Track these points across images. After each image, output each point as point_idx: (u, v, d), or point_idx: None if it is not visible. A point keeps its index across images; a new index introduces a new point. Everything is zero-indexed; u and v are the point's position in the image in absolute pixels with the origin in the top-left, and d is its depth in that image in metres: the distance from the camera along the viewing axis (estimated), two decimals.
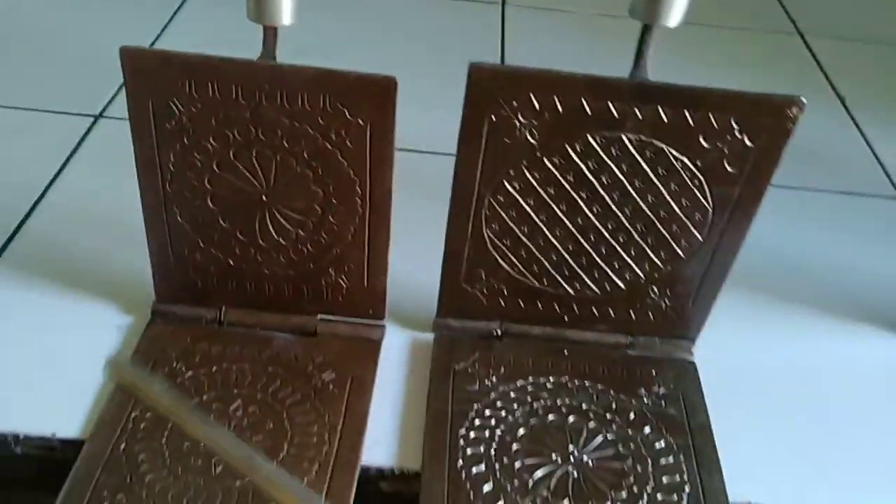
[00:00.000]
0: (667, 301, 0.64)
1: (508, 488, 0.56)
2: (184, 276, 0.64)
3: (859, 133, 1.01)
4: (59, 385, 0.61)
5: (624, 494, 0.56)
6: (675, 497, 0.56)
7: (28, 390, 0.60)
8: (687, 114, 0.52)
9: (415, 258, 0.65)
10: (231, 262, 0.63)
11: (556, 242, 0.61)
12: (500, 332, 0.66)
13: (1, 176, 0.80)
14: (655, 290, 0.63)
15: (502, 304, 0.65)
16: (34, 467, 0.59)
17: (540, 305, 0.65)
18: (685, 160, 0.55)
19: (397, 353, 0.66)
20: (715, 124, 0.53)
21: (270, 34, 0.54)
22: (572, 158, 0.56)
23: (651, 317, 0.65)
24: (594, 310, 0.65)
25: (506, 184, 0.57)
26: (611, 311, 0.65)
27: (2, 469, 0.59)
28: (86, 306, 0.68)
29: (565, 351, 0.66)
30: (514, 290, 0.64)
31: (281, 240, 0.61)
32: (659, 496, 0.56)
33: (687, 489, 0.57)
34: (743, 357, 0.68)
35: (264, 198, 0.60)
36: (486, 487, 0.56)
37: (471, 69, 0.52)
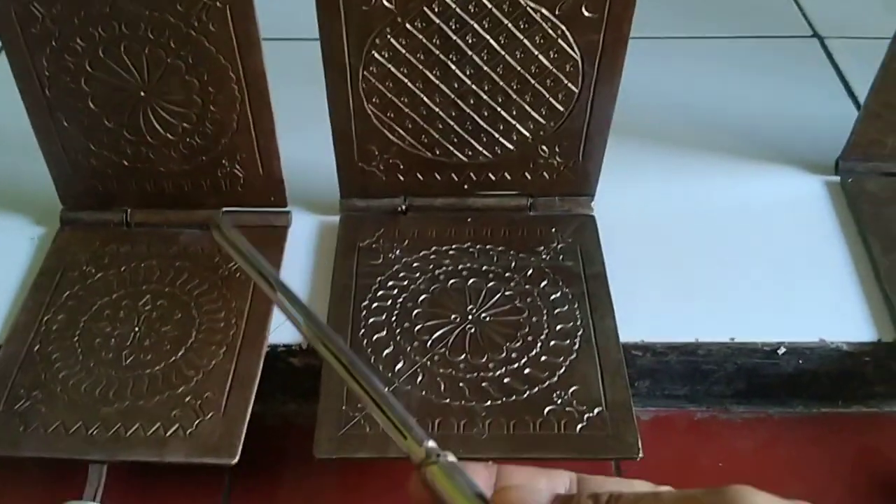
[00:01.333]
0: (558, 158, 0.65)
1: (408, 349, 0.58)
2: (84, 181, 0.65)
3: None
4: None
5: (518, 344, 0.58)
6: (567, 342, 0.58)
7: None
8: None
9: (312, 144, 0.65)
10: (126, 163, 0.64)
11: (438, 110, 0.61)
12: (404, 208, 0.68)
13: None
14: (545, 148, 0.64)
15: (402, 179, 0.66)
16: None
17: (438, 176, 0.66)
18: (543, 10, 0.55)
19: (305, 238, 0.68)
20: None
21: None
22: (432, 20, 0.56)
23: (546, 176, 0.66)
24: (491, 175, 0.66)
25: (375, 55, 0.58)
26: (507, 175, 0.66)
27: None
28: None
29: (469, 219, 0.67)
30: (411, 164, 0.65)
31: (168, 135, 0.62)
32: (552, 342, 0.58)
33: (580, 333, 0.59)
34: (643, 206, 0.69)
35: (143, 93, 0.60)
36: (386, 351, 0.58)
37: None
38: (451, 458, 0.29)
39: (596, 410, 0.54)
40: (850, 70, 0.85)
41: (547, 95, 0.60)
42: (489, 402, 0.55)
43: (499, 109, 0.61)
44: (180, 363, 0.57)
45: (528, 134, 0.63)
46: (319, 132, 0.63)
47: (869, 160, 0.71)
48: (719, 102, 0.81)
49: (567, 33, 0.56)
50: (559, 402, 0.55)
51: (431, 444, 0.30)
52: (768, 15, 0.94)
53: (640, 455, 0.52)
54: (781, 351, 0.59)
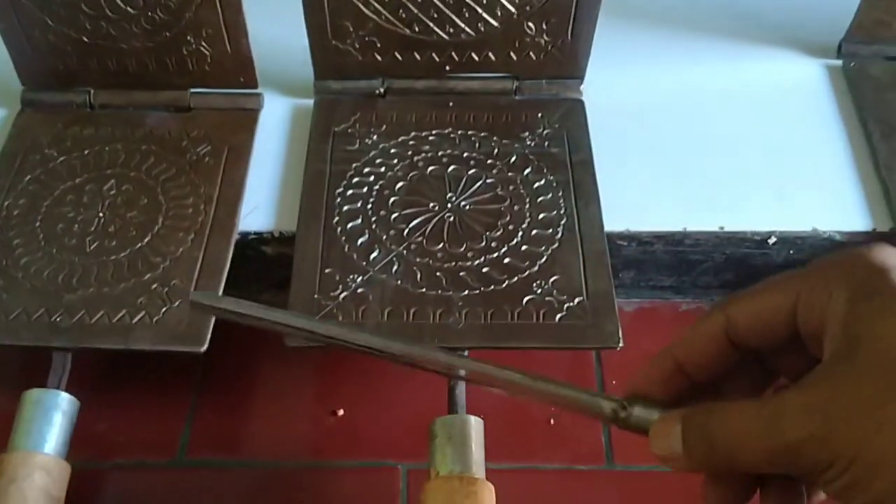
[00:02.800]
0: (545, 36, 0.61)
1: (384, 238, 0.56)
2: (43, 60, 0.62)
3: None
4: None
5: (499, 233, 0.56)
6: (550, 230, 0.56)
7: None
8: None
9: (285, 21, 0.61)
10: (86, 39, 0.60)
11: None
12: (382, 90, 0.64)
13: None
14: (531, 25, 0.60)
15: (379, 58, 0.63)
16: None
17: (418, 56, 0.63)
18: None
19: (278, 121, 0.65)
20: None
21: None
22: None
23: (533, 56, 0.62)
24: (474, 55, 0.63)
25: None
26: (491, 55, 0.63)
27: None
28: None
29: (450, 103, 0.64)
30: (388, 42, 0.62)
31: (128, 8, 0.58)
32: (534, 231, 0.56)
33: (563, 222, 0.56)
34: (634, 91, 0.66)
35: None
36: (361, 240, 0.56)
37: None
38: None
39: (576, 300, 0.52)
40: None
41: None
42: (466, 292, 0.53)
43: None
44: (146, 250, 0.55)
45: (512, 9, 0.59)
46: (292, 7, 0.59)
47: (873, 43, 0.68)
48: None
49: None
50: (539, 291, 0.53)
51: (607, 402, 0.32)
52: None
53: (620, 344, 0.50)
54: (772, 240, 0.57)
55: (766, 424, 0.27)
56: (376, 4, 0.59)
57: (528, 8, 0.59)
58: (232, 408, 0.56)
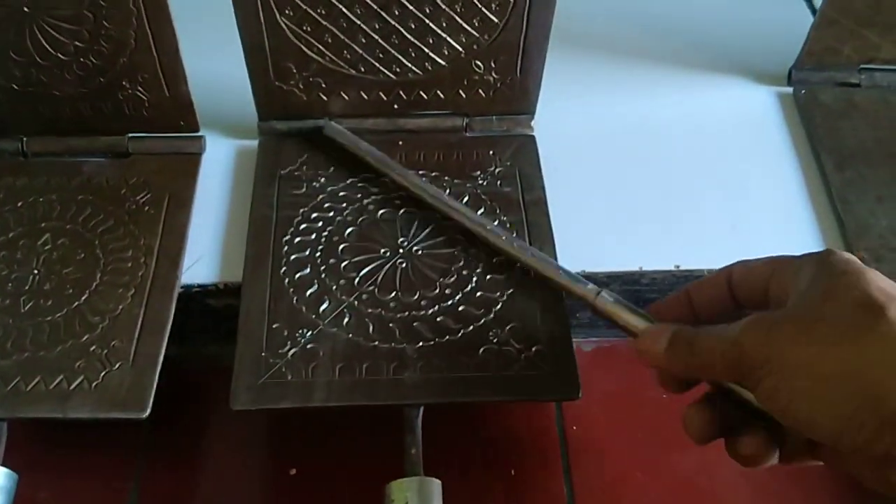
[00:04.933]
0: (494, 74, 0.60)
1: (333, 288, 0.54)
2: None
3: None
4: None
5: (453, 279, 0.54)
6: (504, 275, 0.55)
7: None
8: None
9: (225, 61, 0.59)
10: (16, 87, 0.58)
11: (359, 23, 0.56)
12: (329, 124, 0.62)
13: None
14: (479, 63, 0.59)
15: (325, 98, 0.61)
16: None
17: (365, 96, 0.61)
18: None
19: (222, 165, 0.63)
20: None
21: None
22: None
23: (482, 94, 0.61)
24: (422, 93, 0.61)
25: None
26: (439, 93, 0.61)
27: None
28: None
29: (400, 142, 0.63)
30: (333, 82, 0.60)
31: (59, 55, 0.56)
32: (489, 276, 0.55)
33: (518, 264, 0.55)
34: (585, 124, 0.65)
35: (26, 9, 0.53)
36: (310, 290, 0.54)
37: None
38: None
39: (534, 349, 0.51)
40: None
41: (479, 5, 0.55)
42: (421, 344, 0.51)
43: (427, 21, 0.56)
44: (84, 308, 0.53)
45: (460, 48, 0.58)
46: (232, 48, 0.57)
47: (823, 70, 0.67)
48: (666, 6, 0.75)
49: None
50: (495, 340, 0.51)
51: (591, 285, 0.48)
52: None
53: (580, 396, 0.49)
54: None
55: (726, 337, 0.38)
56: (319, 46, 0.57)
57: (475, 47, 0.58)
58: (180, 470, 0.54)
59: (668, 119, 0.66)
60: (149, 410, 0.48)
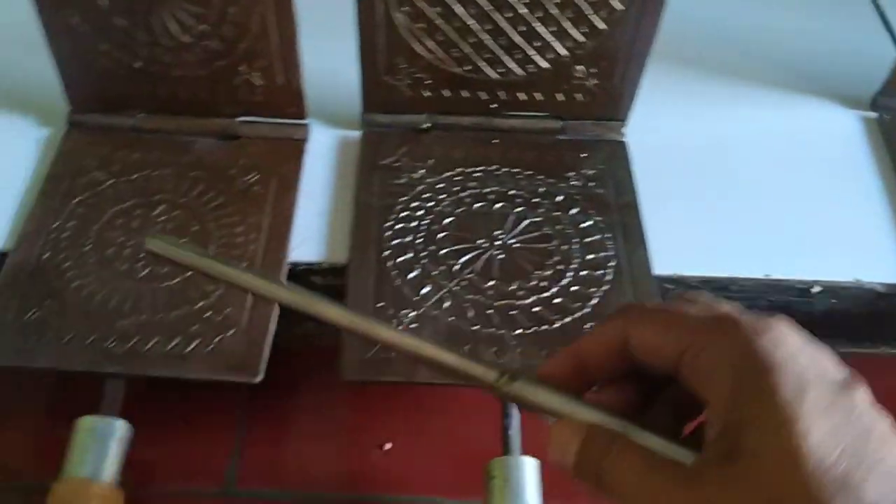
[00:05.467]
0: (593, 80, 0.62)
1: (434, 273, 0.56)
2: (94, 83, 0.62)
3: None
4: None
5: (549, 273, 0.56)
6: (600, 272, 0.57)
7: None
8: None
9: (337, 52, 0.62)
10: (138, 65, 0.61)
11: (472, 22, 0.58)
12: (428, 125, 0.65)
13: None
14: (580, 68, 0.61)
15: (428, 94, 0.63)
16: None
17: (466, 94, 0.63)
18: None
19: (325, 152, 0.65)
20: None
21: None
22: None
23: (579, 98, 0.63)
24: (521, 94, 0.63)
25: None
26: (538, 95, 0.63)
27: None
28: (1, 120, 0.65)
29: (495, 140, 0.65)
30: (438, 79, 0.62)
31: (184, 36, 0.59)
32: (584, 272, 0.57)
33: (612, 264, 0.57)
34: (676, 134, 0.67)
35: None
36: (412, 274, 0.56)
37: None
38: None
39: None
40: (889, 6, 0.82)
41: (588, 12, 0.57)
42: (519, 331, 0.53)
43: (536, 25, 0.58)
44: (198, 277, 0.55)
45: (564, 52, 0.60)
46: (343, 40, 0.60)
47: None
48: (758, 30, 0.77)
49: None
50: None
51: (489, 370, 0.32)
52: None
53: None
54: (815, 289, 0.58)
55: (642, 486, 0.28)
56: (431, 43, 0.59)
57: (579, 52, 0.60)
58: (279, 438, 0.56)
59: (756, 135, 0.67)
60: (261, 375, 0.50)
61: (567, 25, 0.58)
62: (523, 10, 0.57)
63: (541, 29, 0.58)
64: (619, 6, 0.57)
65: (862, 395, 0.26)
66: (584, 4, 0.56)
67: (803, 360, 0.26)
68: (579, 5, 0.56)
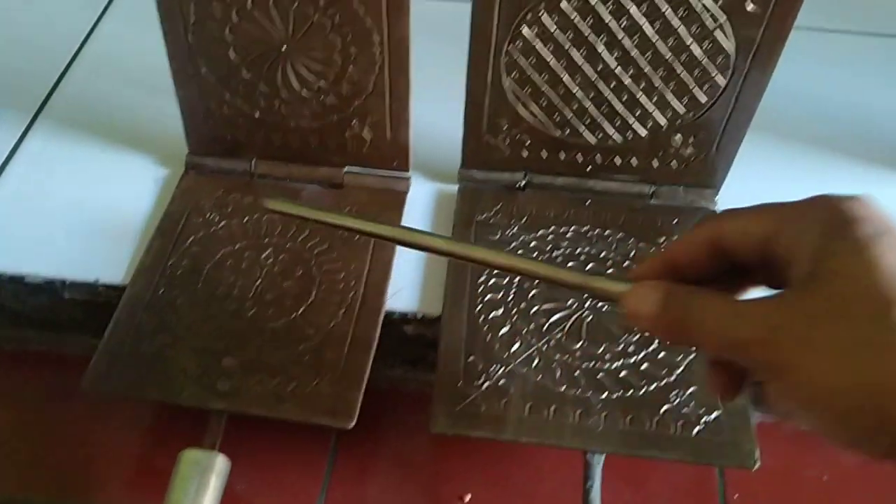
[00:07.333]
0: (690, 149, 0.63)
1: (524, 331, 0.58)
2: (214, 128, 0.66)
3: None
4: (102, 235, 0.64)
5: (636, 338, 0.58)
6: None
7: (73, 240, 0.64)
8: None
9: (440, 110, 0.65)
10: (257, 115, 0.64)
11: (576, 90, 0.60)
12: (523, 183, 0.67)
13: (39, 30, 0.82)
14: (678, 137, 0.62)
15: (525, 154, 0.66)
16: (80, 311, 0.63)
17: (563, 155, 0.65)
18: (705, 1, 0.53)
19: (423, 204, 0.68)
20: None
21: None
22: (589, 1, 0.54)
23: (674, 165, 0.65)
24: (617, 159, 0.65)
25: (524, 30, 0.57)
26: (633, 160, 0.65)
27: (52, 312, 0.64)
28: (125, 159, 0.71)
29: (588, 201, 0.67)
30: (537, 141, 0.64)
31: (303, 91, 0.62)
32: None
33: None
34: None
35: (284, 48, 0.60)
36: (503, 330, 0.58)
37: None
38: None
39: (714, 414, 0.53)
40: None
41: (692, 86, 0.59)
42: (605, 395, 0.55)
43: (639, 95, 0.60)
44: (300, 320, 0.58)
45: (663, 122, 0.62)
46: (450, 98, 0.62)
47: None
48: (855, 103, 0.78)
49: (726, 25, 0.54)
50: (676, 402, 0.54)
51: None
52: None
53: (757, 465, 0.51)
54: None
55: (727, 321, 0.32)
56: (534, 107, 0.62)
57: (678, 122, 0.61)
58: (364, 480, 0.58)
59: None
60: (354, 422, 0.53)
61: (670, 97, 0.60)
62: (627, 81, 0.59)
63: (643, 99, 0.60)
64: (721, 81, 0.58)
65: None
66: (688, 78, 0.58)
67: (883, 217, 0.32)
68: (684, 79, 0.58)
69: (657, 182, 0.66)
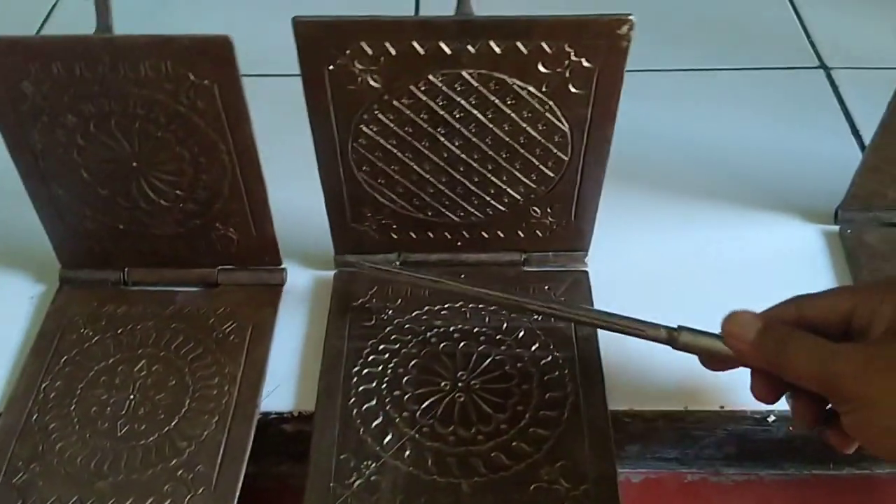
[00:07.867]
0: (550, 218, 0.65)
1: (397, 419, 0.59)
2: (80, 242, 0.66)
3: (789, 4, 0.98)
4: None
5: (507, 415, 0.59)
6: (556, 412, 0.59)
7: None
8: (519, 45, 0.52)
9: (305, 196, 0.65)
10: (121, 227, 0.65)
11: (428, 176, 0.61)
12: (398, 264, 0.68)
13: None
14: (536, 209, 0.64)
15: (395, 237, 0.67)
16: None
17: (431, 235, 0.67)
18: (530, 88, 0.55)
19: (300, 294, 0.68)
20: (549, 51, 0.52)
21: (102, 5, 0.54)
22: (419, 98, 0.55)
23: (539, 234, 0.66)
24: (484, 233, 0.66)
25: (363, 128, 0.58)
26: (500, 233, 0.66)
27: None
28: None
29: (462, 275, 0.68)
30: (403, 224, 0.66)
31: (161, 201, 0.63)
32: (541, 413, 0.59)
33: (569, 401, 0.59)
34: (636, 259, 0.69)
35: (134, 164, 0.60)
36: (375, 422, 0.59)
37: (296, 25, 0.51)
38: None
39: (581, 488, 0.54)
40: (856, 104, 0.84)
41: (537, 163, 0.60)
42: (475, 479, 0.55)
43: (489, 175, 0.61)
44: (173, 434, 0.58)
45: (519, 197, 0.63)
46: (312, 184, 0.63)
47: (869, 210, 0.70)
48: (717, 141, 0.80)
49: (555, 108, 0.56)
50: (546, 478, 0.55)
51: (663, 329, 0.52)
52: (772, 44, 0.92)
53: None
54: (771, 419, 0.59)
55: (824, 355, 0.40)
56: (392, 195, 0.63)
57: (532, 196, 0.63)
58: None
59: (718, 253, 0.69)
60: None
61: (519, 175, 0.61)
62: (475, 164, 0.60)
63: (494, 178, 0.62)
64: (564, 157, 0.59)
65: None
66: (531, 157, 0.59)
67: None
68: (527, 157, 0.59)
69: (527, 249, 0.67)
